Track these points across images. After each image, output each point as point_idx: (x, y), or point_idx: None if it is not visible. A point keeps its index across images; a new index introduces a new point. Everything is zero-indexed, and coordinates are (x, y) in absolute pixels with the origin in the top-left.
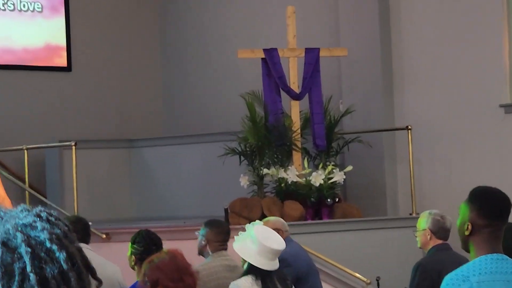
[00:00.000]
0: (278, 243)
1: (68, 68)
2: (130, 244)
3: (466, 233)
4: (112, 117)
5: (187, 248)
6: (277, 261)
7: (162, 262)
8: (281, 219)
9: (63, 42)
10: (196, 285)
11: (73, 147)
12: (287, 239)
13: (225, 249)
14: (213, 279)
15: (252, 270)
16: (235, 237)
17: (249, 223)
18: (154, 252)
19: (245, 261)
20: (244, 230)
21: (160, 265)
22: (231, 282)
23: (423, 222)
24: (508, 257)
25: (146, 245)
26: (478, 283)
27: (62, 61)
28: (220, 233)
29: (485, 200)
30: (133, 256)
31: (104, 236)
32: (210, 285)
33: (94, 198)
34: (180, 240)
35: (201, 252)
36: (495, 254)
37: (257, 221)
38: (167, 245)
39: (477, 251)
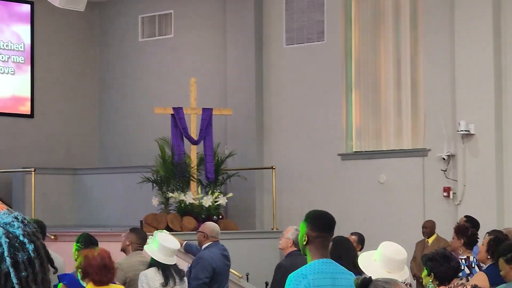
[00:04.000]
0: (174, 244)
1: (31, 115)
2: (75, 243)
3: (304, 242)
4: (62, 151)
5: (112, 247)
6: (174, 257)
7: (93, 258)
8: (214, 228)
9: (27, 93)
10: (114, 277)
11: (33, 172)
12: (213, 243)
13: (142, 249)
14: (132, 270)
15: (155, 263)
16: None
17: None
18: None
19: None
20: (152, 235)
21: (91, 260)
22: (141, 272)
23: (289, 233)
24: (332, 261)
25: (86, 243)
26: (313, 280)
27: (26, 109)
28: (139, 237)
29: (316, 218)
30: (76, 252)
31: (53, 237)
32: (129, 274)
33: (47, 209)
34: (108, 242)
35: (124, 250)
36: (324, 258)
37: (161, 230)
38: (100, 244)
39: (312, 257)
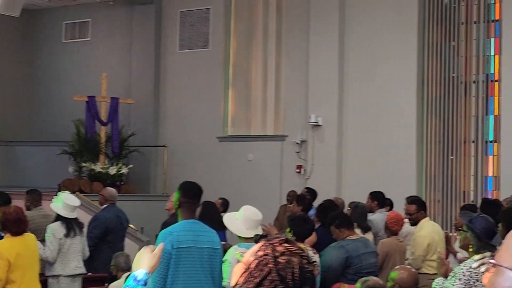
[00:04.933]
0: (74, 202)
1: None
2: None
3: (176, 206)
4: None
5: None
6: (75, 213)
7: (9, 213)
8: (112, 193)
9: None
10: (27, 228)
11: None
12: (110, 206)
13: (41, 205)
14: (33, 222)
15: (60, 218)
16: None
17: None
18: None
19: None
20: (56, 196)
21: (7, 215)
22: (47, 226)
23: (174, 197)
24: (198, 221)
25: (4, 200)
26: (177, 236)
27: None
28: (34, 196)
29: (186, 187)
30: None
31: None
32: (31, 226)
33: None
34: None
35: (27, 208)
36: (190, 219)
37: (64, 191)
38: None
39: (181, 218)
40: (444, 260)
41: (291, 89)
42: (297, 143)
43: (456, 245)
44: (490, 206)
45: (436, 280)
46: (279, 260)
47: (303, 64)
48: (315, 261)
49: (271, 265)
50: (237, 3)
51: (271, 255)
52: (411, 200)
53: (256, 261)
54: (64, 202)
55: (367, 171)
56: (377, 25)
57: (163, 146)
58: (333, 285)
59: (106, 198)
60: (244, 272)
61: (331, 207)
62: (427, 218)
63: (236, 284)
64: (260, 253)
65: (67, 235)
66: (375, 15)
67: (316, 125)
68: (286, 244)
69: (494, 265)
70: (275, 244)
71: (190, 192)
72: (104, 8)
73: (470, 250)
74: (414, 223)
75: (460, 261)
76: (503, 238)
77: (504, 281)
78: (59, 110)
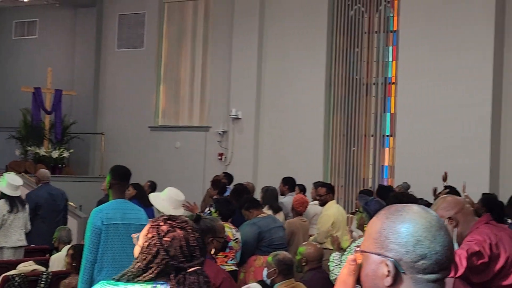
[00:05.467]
0: (16, 182)
1: None
2: None
3: (108, 187)
4: None
5: None
6: (19, 191)
7: None
8: (44, 174)
9: None
10: None
11: None
12: (43, 185)
13: None
14: None
15: (4, 196)
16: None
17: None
18: None
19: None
20: (2, 176)
21: None
22: None
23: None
24: (126, 201)
25: None
26: (107, 213)
27: None
28: None
29: (116, 170)
30: None
31: None
32: None
33: None
34: None
35: None
36: (120, 199)
37: (9, 172)
38: None
39: (112, 197)
40: (335, 237)
41: (215, 86)
42: (219, 134)
43: (354, 225)
44: (384, 191)
45: (333, 254)
46: (165, 239)
47: (226, 64)
48: (237, 238)
49: (158, 245)
50: (169, 9)
51: (157, 236)
52: (323, 183)
53: (146, 243)
54: (8, 182)
55: (280, 159)
56: (292, 33)
57: (101, 133)
58: (250, 258)
59: (39, 179)
60: (139, 254)
61: (242, 190)
62: (334, 201)
63: (138, 266)
64: (149, 235)
65: (10, 211)
66: (290, 24)
67: (236, 118)
68: (170, 221)
69: (361, 251)
70: (160, 224)
71: (120, 174)
72: (50, 9)
73: (365, 229)
74: (322, 203)
75: (355, 239)
76: None
77: (369, 265)
78: (8, 100)
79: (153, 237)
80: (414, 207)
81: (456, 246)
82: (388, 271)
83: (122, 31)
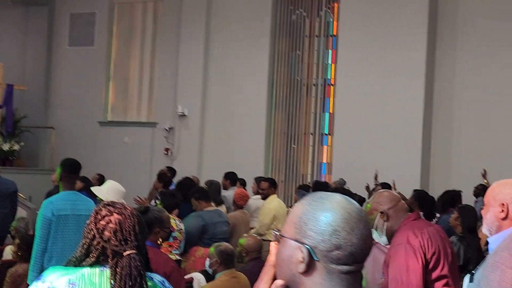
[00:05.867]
0: None
1: None
2: None
3: (58, 179)
4: None
5: None
6: None
7: None
8: None
9: None
10: None
11: None
12: None
13: None
14: None
15: None
16: None
17: None
18: None
19: None
20: None
21: None
22: None
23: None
24: (77, 192)
25: None
26: (57, 205)
27: None
28: None
29: (66, 163)
30: None
31: None
32: None
33: None
34: None
35: None
36: (70, 191)
37: None
38: None
39: (63, 189)
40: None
41: (163, 83)
42: (166, 130)
43: None
44: (320, 186)
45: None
46: (100, 223)
47: (173, 63)
48: (181, 228)
49: (94, 229)
50: (119, 9)
51: (93, 221)
52: (266, 178)
53: (85, 228)
54: None
55: (223, 154)
56: (237, 35)
57: (51, 127)
58: (191, 248)
59: None
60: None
61: (188, 184)
62: (275, 195)
63: (79, 250)
64: (88, 221)
65: None
66: (236, 27)
67: (183, 115)
68: (109, 207)
69: (280, 236)
70: (100, 209)
71: (70, 167)
72: (2, 7)
73: None
74: (264, 197)
75: None
76: None
77: (286, 250)
78: None
79: (91, 222)
80: (338, 197)
81: (384, 239)
82: (303, 258)
83: (74, 30)
